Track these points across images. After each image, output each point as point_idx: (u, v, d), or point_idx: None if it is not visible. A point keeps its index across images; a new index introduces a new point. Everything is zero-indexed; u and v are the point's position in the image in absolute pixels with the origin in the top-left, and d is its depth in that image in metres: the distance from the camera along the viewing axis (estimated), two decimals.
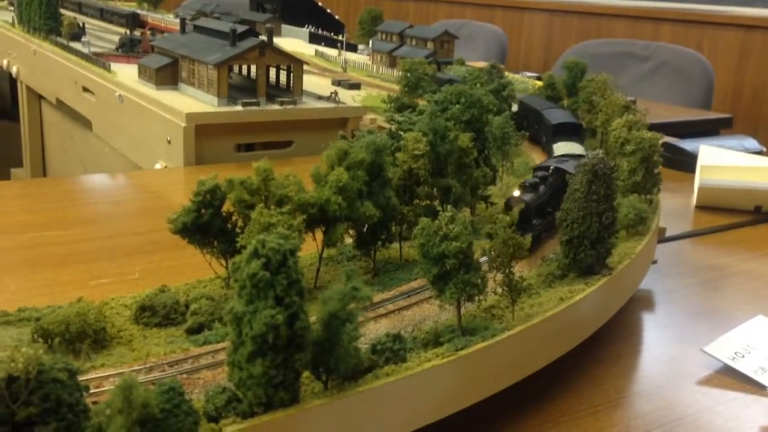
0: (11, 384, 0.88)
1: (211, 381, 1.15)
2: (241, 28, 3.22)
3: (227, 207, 1.48)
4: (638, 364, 1.68)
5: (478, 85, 2.55)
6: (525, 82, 3.94)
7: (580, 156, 2.03)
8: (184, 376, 1.16)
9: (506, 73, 3.12)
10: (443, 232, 1.26)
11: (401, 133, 1.90)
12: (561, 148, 2.31)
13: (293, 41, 5.43)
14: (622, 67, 5.31)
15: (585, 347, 1.55)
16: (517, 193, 1.75)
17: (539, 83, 3.72)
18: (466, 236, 1.27)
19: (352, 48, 5.15)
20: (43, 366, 0.89)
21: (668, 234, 2.26)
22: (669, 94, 5.16)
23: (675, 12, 6.43)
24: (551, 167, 1.89)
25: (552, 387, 1.49)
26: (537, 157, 2.56)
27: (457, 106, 1.92)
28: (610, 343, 1.70)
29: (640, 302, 1.93)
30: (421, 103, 3.16)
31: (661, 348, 1.77)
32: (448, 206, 1.32)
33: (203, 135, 3.02)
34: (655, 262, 2.02)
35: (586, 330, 1.53)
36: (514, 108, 2.83)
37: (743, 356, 1.61)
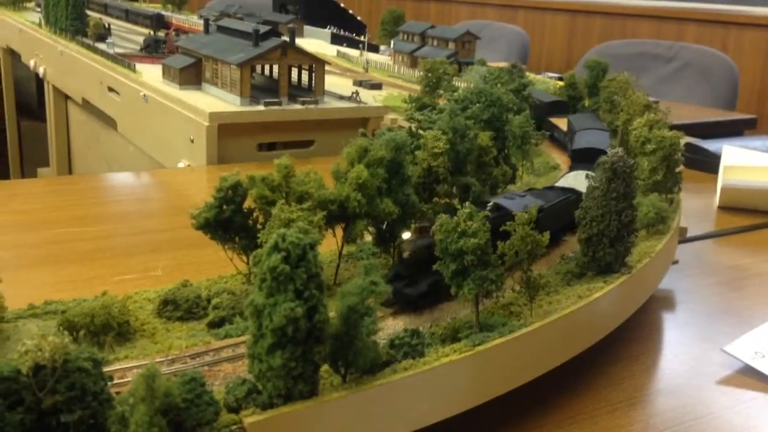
0: (38, 372, 0.91)
1: (231, 373, 1.17)
2: (263, 29, 3.25)
3: (248, 203, 1.51)
4: (658, 363, 1.68)
5: (498, 85, 2.55)
6: (546, 82, 3.93)
7: (547, 191, 1.81)
8: (206, 368, 1.18)
9: (527, 73, 3.11)
10: (461, 229, 1.27)
11: (421, 131, 1.92)
12: (569, 178, 2.04)
13: (315, 42, 5.46)
14: (646, 68, 5.28)
15: (604, 345, 1.55)
16: (406, 235, 1.46)
17: (560, 83, 3.72)
18: (484, 233, 1.28)
19: (373, 49, 5.17)
20: (68, 355, 0.92)
21: (690, 234, 2.25)
22: (693, 94, 5.12)
23: (699, 12, 6.37)
24: (491, 203, 1.58)
25: (571, 385, 1.49)
26: (557, 157, 2.56)
27: (477, 104, 1.93)
28: (629, 342, 1.70)
29: (660, 301, 1.93)
30: (442, 103, 3.17)
31: (681, 347, 1.76)
32: (467, 203, 1.33)
33: (226, 134, 3.05)
34: (676, 262, 2.01)
35: (605, 328, 1.53)
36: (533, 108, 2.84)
37: (764, 356, 1.60)
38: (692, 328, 1.85)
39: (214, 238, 1.50)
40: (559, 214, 1.70)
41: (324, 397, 1.08)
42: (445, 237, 1.28)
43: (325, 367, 1.12)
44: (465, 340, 1.26)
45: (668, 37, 6.20)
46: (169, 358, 1.20)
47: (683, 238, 2.11)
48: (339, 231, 1.53)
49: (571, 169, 2.17)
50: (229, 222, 1.47)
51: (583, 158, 2.18)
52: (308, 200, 1.45)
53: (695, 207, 2.71)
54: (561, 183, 1.97)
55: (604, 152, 1.99)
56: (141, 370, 0.91)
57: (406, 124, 2.94)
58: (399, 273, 1.42)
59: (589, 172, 2.02)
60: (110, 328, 1.26)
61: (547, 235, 1.36)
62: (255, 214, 1.50)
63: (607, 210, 1.46)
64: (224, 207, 1.47)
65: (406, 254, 1.42)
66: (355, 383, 1.12)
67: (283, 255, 1.02)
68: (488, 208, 1.54)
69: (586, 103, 2.98)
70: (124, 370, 1.15)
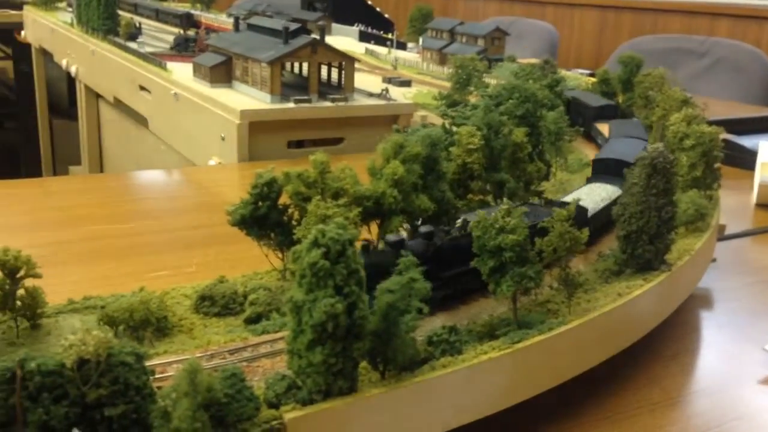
0: (82, 366, 0.91)
1: (269, 369, 1.17)
2: (293, 26, 3.25)
3: (284, 200, 1.50)
4: (697, 363, 1.65)
5: (530, 81, 2.53)
6: (577, 78, 3.89)
7: (540, 208, 1.62)
8: (244, 363, 1.18)
9: (560, 70, 3.08)
10: (499, 225, 1.26)
11: (454, 127, 1.90)
12: (582, 192, 1.87)
13: (343, 40, 5.46)
14: (678, 64, 5.20)
15: (642, 344, 1.53)
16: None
17: (591, 80, 3.68)
18: (522, 229, 1.26)
19: (401, 46, 5.15)
20: (112, 349, 0.92)
21: (728, 232, 2.21)
22: (726, 90, 5.04)
23: (732, 7, 6.26)
24: (460, 219, 1.48)
25: (609, 383, 1.47)
26: (591, 154, 2.53)
27: (511, 100, 1.91)
28: (668, 341, 1.67)
29: (698, 300, 1.89)
30: (472, 99, 3.16)
31: (720, 346, 1.73)
32: (505, 199, 1.32)
33: (256, 132, 3.06)
34: (714, 260, 1.97)
35: (644, 327, 1.50)
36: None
37: None
38: (731, 327, 1.82)
39: (250, 234, 1.50)
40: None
41: (363, 394, 1.07)
42: (483, 233, 1.27)
43: (362, 364, 1.12)
44: (503, 337, 1.24)
45: (700, 33, 6.11)
46: (208, 353, 1.20)
47: (721, 236, 2.08)
48: (374, 227, 1.53)
49: (590, 180, 1.97)
50: (264, 218, 1.48)
51: (604, 170, 1.97)
52: (344, 196, 1.44)
53: (732, 204, 2.66)
54: (572, 197, 1.75)
55: (628, 165, 1.78)
56: (182, 365, 0.91)
57: (437, 121, 2.93)
58: None
59: (609, 185, 1.86)
60: (149, 324, 1.26)
61: (585, 231, 1.34)
62: (290, 211, 1.50)
63: (646, 206, 1.43)
64: (260, 203, 1.47)
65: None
66: (394, 380, 1.11)
67: (322, 251, 1.02)
68: (458, 224, 1.45)
69: (620, 98, 2.94)
70: (164, 364, 1.15)
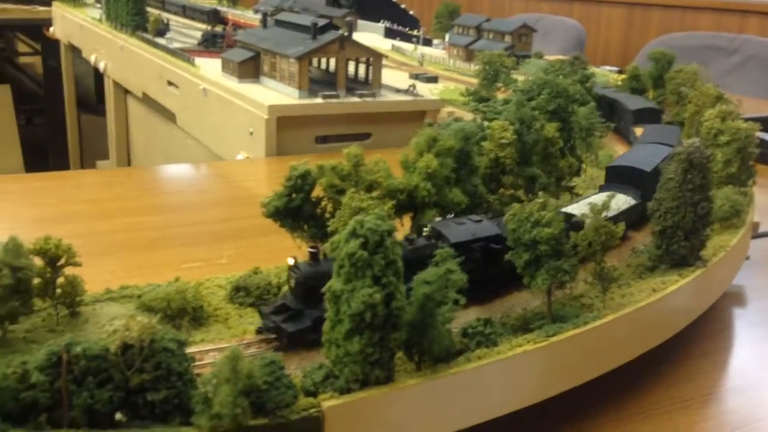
0: (126, 351, 0.93)
1: (305, 358, 1.18)
2: (321, 22, 3.26)
3: (317, 192, 1.51)
4: (730, 360, 1.64)
5: (560, 77, 2.51)
6: (606, 75, 3.87)
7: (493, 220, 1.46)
8: (280, 352, 1.19)
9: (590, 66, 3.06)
10: (535, 218, 1.26)
11: (486, 122, 1.90)
12: (597, 197, 1.74)
13: (369, 36, 5.46)
14: (708, 61, 5.14)
15: (675, 341, 1.52)
16: (291, 260, 1.28)
17: (620, 77, 3.65)
18: (558, 222, 1.26)
19: (426, 42, 5.15)
20: (155, 335, 0.94)
21: (761, 230, 2.19)
22: (757, 87, 4.97)
23: (762, 4, 6.18)
24: (428, 228, 1.39)
25: (643, 379, 1.47)
26: (621, 150, 2.51)
27: (543, 96, 1.90)
28: (701, 338, 1.66)
29: (731, 298, 1.88)
30: (500, 96, 3.15)
31: (754, 344, 1.72)
32: (540, 193, 1.32)
33: (284, 127, 3.08)
34: (747, 258, 1.95)
35: (679, 323, 1.49)
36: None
37: None
38: (764, 326, 1.80)
39: (284, 226, 1.51)
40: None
41: (400, 384, 1.08)
42: (518, 226, 1.27)
43: (398, 354, 1.12)
44: (538, 330, 1.24)
45: (729, 30, 6.04)
46: (245, 342, 1.21)
47: (755, 234, 2.05)
48: (407, 221, 1.53)
49: (602, 188, 1.83)
50: (298, 210, 1.48)
51: (618, 178, 1.82)
52: (377, 189, 1.45)
53: (764, 202, 2.63)
54: (573, 207, 1.64)
55: (643, 173, 1.76)
56: (223, 352, 0.93)
57: (464, 117, 2.93)
58: (285, 304, 1.23)
59: (622, 194, 1.71)
60: (185, 313, 1.28)
61: (621, 225, 1.33)
62: (323, 203, 1.51)
63: (682, 201, 1.42)
64: (293, 195, 1.48)
65: (293, 283, 1.24)
66: (430, 371, 1.11)
67: (361, 241, 1.02)
68: (425, 232, 1.37)
69: (651, 95, 2.92)
70: (201, 353, 1.17)
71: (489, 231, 1.37)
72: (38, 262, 1.21)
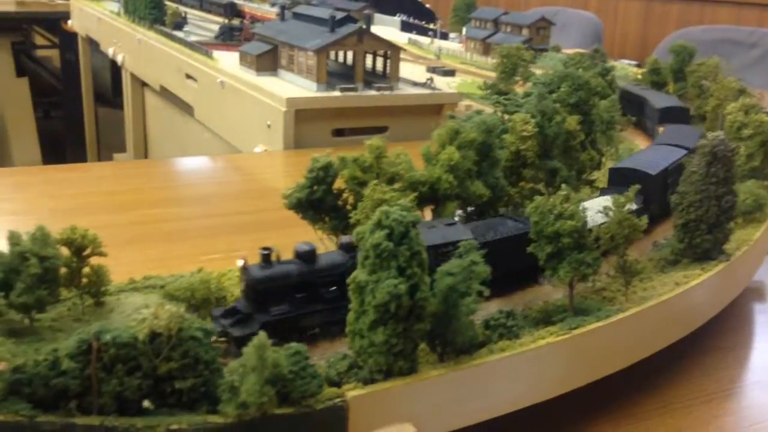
0: (154, 340, 0.94)
1: (329, 348, 1.19)
2: (339, 15, 3.26)
3: (338, 184, 1.52)
4: (751, 355, 1.63)
5: (580, 70, 2.50)
6: (624, 68, 3.84)
7: (499, 223, 1.44)
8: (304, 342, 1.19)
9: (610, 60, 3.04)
10: (558, 211, 1.26)
11: (506, 115, 1.90)
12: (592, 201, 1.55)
13: (385, 29, 5.45)
14: (727, 55, 5.06)
15: (697, 336, 1.51)
16: (241, 262, 1.25)
17: (638, 70, 3.62)
18: (580, 215, 1.26)
19: (443, 36, 5.13)
20: (183, 324, 0.95)
21: None
22: None
23: None
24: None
25: (665, 374, 1.46)
26: (642, 143, 2.50)
27: (564, 88, 1.89)
28: (722, 333, 1.65)
29: (752, 293, 1.86)
30: (518, 89, 3.13)
31: None
32: (563, 185, 1.32)
33: (302, 120, 3.08)
34: None
35: (702, 316, 1.49)
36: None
37: None
38: None
39: (305, 217, 1.52)
40: (498, 253, 1.27)
41: (423, 375, 1.08)
42: (540, 219, 1.27)
43: (421, 346, 1.13)
44: (560, 323, 1.24)
45: (749, 23, 5.97)
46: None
47: None
48: (428, 213, 1.53)
49: (603, 192, 1.72)
50: (319, 202, 1.49)
51: (622, 181, 1.67)
52: (399, 181, 1.45)
53: None
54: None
55: (648, 176, 1.66)
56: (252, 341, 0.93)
57: (483, 109, 2.92)
58: (236, 308, 1.19)
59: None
60: (209, 303, 1.29)
61: (644, 219, 1.33)
62: (345, 195, 1.51)
63: (705, 195, 1.41)
64: (315, 187, 1.49)
65: (243, 286, 1.19)
66: (453, 362, 1.12)
67: (386, 232, 1.03)
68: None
69: (671, 88, 2.90)
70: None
71: (460, 235, 1.28)
72: (65, 252, 1.23)
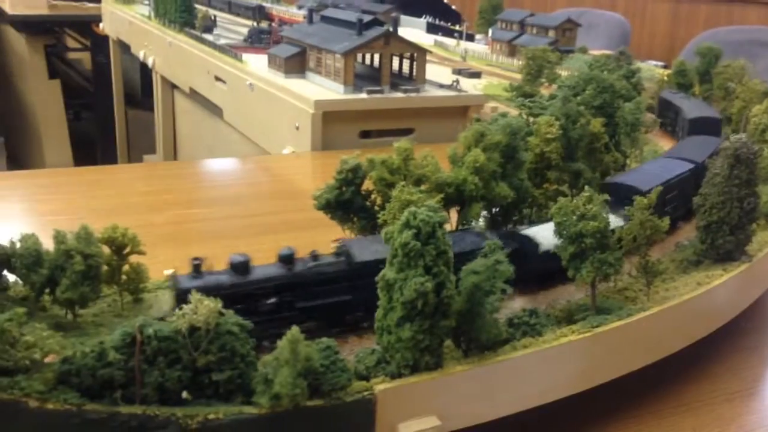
0: (193, 333, 0.99)
1: (358, 344, 1.23)
2: (366, 18, 3.31)
3: (366, 186, 1.56)
4: None
5: (605, 72, 2.52)
6: (651, 70, 3.84)
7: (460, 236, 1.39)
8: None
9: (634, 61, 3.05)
10: (581, 212, 1.29)
11: (531, 118, 1.93)
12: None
13: (411, 31, 5.49)
14: (756, 56, 5.04)
15: (720, 335, 1.53)
16: (170, 270, 1.21)
17: (665, 72, 3.63)
18: (603, 216, 1.29)
19: (469, 38, 5.16)
20: (220, 319, 0.99)
21: None
22: None
23: None
24: (340, 245, 1.33)
25: (687, 372, 1.49)
26: (666, 145, 2.51)
27: (589, 91, 1.92)
28: (745, 333, 1.67)
29: None
30: (544, 91, 3.15)
31: None
32: (586, 187, 1.35)
33: (330, 121, 3.13)
34: None
35: (723, 316, 1.51)
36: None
37: None
38: None
39: (334, 218, 1.56)
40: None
41: (448, 370, 1.12)
42: (563, 220, 1.30)
43: (446, 342, 1.17)
44: (582, 321, 1.27)
45: None
46: None
47: None
48: (454, 214, 1.57)
49: None
50: (348, 203, 1.53)
51: (614, 195, 1.51)
52: (426, 183, 1.49)
53: None
54: (537, 230, 1.50)
55: (639, 192, 1.51)
56: (284, 335, 0.98)
57: (509, 111, 2.95)
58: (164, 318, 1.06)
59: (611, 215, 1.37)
60: None
61: (666, 221, 1.35)
62: (373, 196, 1.56)
63: (728, 197, 1.44)
64: (344, 188, 1.53)
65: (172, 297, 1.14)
66: (477, 358, 1.15)
67: (414, 232, 1.07)
68: (336, 250, 1.32)
69: (697, 90, 2.90)
70: None
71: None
72: (106, 250, 1.29)
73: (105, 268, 1.27)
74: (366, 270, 1.14)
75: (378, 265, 1.10)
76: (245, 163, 3.39)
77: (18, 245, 1.20)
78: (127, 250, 1.30)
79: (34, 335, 0.92)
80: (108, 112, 7.88)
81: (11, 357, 0.90)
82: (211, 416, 0.97)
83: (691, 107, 2.60)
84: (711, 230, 1.48)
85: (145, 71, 6.00)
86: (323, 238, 1.61)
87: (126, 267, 1.32)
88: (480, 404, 1.17)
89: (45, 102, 8.39)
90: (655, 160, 2.04)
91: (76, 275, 1.15)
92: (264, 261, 1.77)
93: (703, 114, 2.42)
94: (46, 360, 0.96)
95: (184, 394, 1.01)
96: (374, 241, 1.31)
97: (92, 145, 8.89)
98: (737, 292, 1.51)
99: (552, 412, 1.24)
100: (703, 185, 1.50)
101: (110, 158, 7.99)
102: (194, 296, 0.98)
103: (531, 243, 1.44)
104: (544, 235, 1.44)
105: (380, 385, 1.07)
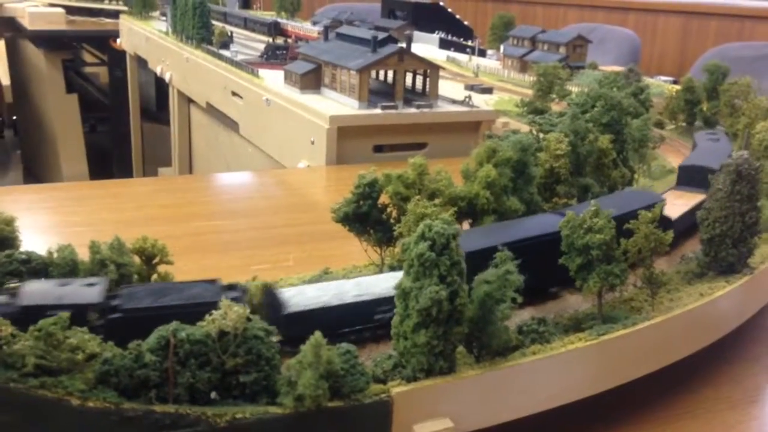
0: (222, 337, 1.05)
1: (375, 349, 1.30)
2: (381, 35, 3.39)
3: (383, 200, 1.63)
4: None
5: (615, 89, 2.58)
6: (660, 86, 3.90)
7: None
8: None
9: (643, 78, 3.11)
10: (587, 225, 1.35)
11: (541, 134, 1.99)
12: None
13: (424, 47, 5.58)
14: (765, 72, 5.10)
15: (723, 345, 1.58)
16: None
17: (675, 87, 3.69)
18: (609, 229, 1.35)
19: (481, 53, 5.24)
20: (247, 323, 1.06)
21: None
22: None
23: None
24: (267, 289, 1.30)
25: (691, 380, 1.54)
26: (674, 161, 2.57)
27: (597, 108, 1.98)
28: (748, 343, 1.72)
29: None
30: (554, 107, 3.22)
31: None
32: (592, 201, 1.41)
33: (344, 136, 3.21)
34: None
35: (725, 326, 1.56)
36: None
37: None
38: None
39: (352, 230, 1.63)
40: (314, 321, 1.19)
41: (461, 374, 1.18)
42: (571, 232, 1.36)
43: (459, 348, 1.23)
44: (589, 330, 1.33)
45: None
46: None
47: None
48: (466, 226, 1.63)
49: None
50: (366, 216, 1.60)
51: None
52: (439, 197, 1.56)
53: None
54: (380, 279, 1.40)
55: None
56: (309, 340, 1.04)
57: (518, 127, 3.01)
58: None
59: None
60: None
61: (670, 234, 1.41)
62: (389, 209, 1.62)
63: (730, 211, 1.49)
64: (361, 202, 1.60)
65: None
66: (489, 363, 1.22)
67: (429, 243, 1.13)
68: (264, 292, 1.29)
69: (705, 107, 2.96)
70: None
71: (79, 297, 1.12)
72: (136, 259, 1.36)
73: (136, 276, 1.35)
74: (31, 315, 1.03)
75: (45, 310, 1.00)
76: (261, 176, 3.47)
77: (55, 255, 1.28)
78: (156, 260, 1.38)
79: (77, 338, 0.99)
80: (124, 126, 8.01)
81: (55, 358, 0.97)
82: (239, 415, 1.04)
83: (700, 153, 2.25)
84: (714, 243, 1.54)
85: (160, 85, 6.11)
86: (340, 250, 1.68)
87: (154, 276, 1.40)
88: (491, 407, 1.23)
89: (62, 115, 8.53)
90: (617, 193, 1.86)
91: (110, 283, 1.22)
92: (291, 271, 1.84)
93: (696, 163, 2.09)
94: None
95: (213, 395, 1.07)
96: (63, 283, 1.17)
97: (108, 158, 9.02)
98: (739, 303, 1.56)
99: (559, 416, 1.29)
100: (706, 200, 1.56)
101: (125, 171, 8.10)
102: (224, 302, 1.05)
103: (277, 303, 1.30)
104: (311, 295, 1.31)
105: (396, 388, 1.13)
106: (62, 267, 1.25)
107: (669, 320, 1.38)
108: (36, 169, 9.60)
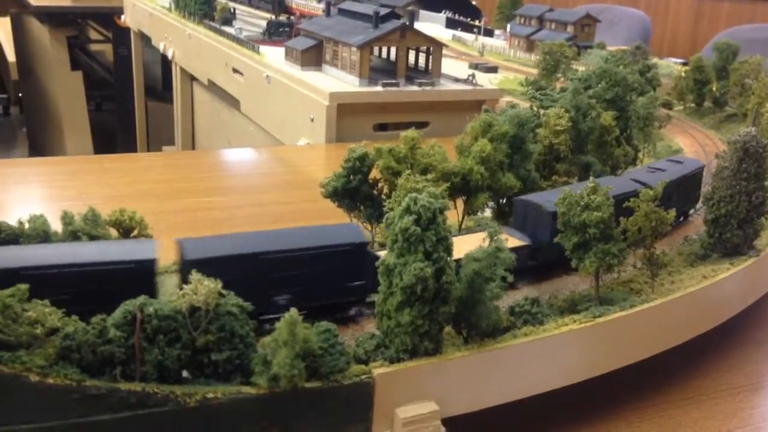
0: (193, 313, 1.00)
1: (359, 329, 1.24)
2: (383, 11, 3.31)
3: (374, 175, 1.57)
4: None
5: (621, 67, 2.50)
6: (670, 66, 3.81)
7: None
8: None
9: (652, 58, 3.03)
10: (585, 202, 1.29)
11: (542, 110, 1.92)
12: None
13: (431, 26, 5.48)
14: None
15: (725, 330, 1.52)
16: None
17: (683, 68, 3.59)
18: (607, 207, 1.28)
19: (488, 33, 5.15)
20: (219, 299, 1.01)
21: None
22: None
23: None
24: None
25: (692, 366, 1.48)
26: (681, 141, 2.49)
27: (601, 84, 1.91)
28: (751, 328, 1.66)
29: None
30: (559, 86, 3.14)
31: None
32: (591, 178, 1.34)
33: (344, 114, 3.14)
34: None
35: (729, 310, 1.50)
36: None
37: None
38: None
39: (341, 206, 1.57)
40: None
41: (448, 355, 1.13)
42: (567, 210, 1.30)
43: (446, 329, 1.17)
44: (585, 311, 1.27)
45: None
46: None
47: None
48: (459, 204, 1.57)
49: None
50: (355, 191, 1.54)
51: (523, 212, 1.49)
52: (432, 172, 1.49)
53: None
54: None
55: (551, 215, 1.39)
56: (284, 317, 0.99)
57: (523, 105, 2.94)
58: None
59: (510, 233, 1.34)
60: None
61: (672, 212, 1.35)
62: (380, 185, 1.56)
63: (736, 190, 1.43)
64: (351, 177, 1.54)
65: None
66: (477, 345, 1.16)
67: (414, 217, 1.07)
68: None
69: (714, 86, 2.88)
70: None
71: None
72: (113, 232, 1.31)
73: None
74: None
75: None
76: (261, 153, 3.41)
77: (26, 225, 1.22)
78: (135, 233, 1.32)
79: (36, 311, 0.93)
80: (129, 104, 7.95)
81: (13, 332, 0.92)
82: (210, 395, 0.99)
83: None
84: (719, 224, 1.48)
85: (167, 64, 6.04)
86: None
87: None
88: (479, 391, 1.18)
89: (67, 93, 8.48)
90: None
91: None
92: None
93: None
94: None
95: (185, 373, 1.02)
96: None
97: (112, 136, 8.97)
98: (744, 286, 1.50)
99: (552, 400, 1.24)
100: (711, 179, 1.50)
101: (130, 149, 8.06)
102: (195, 277, 0.99)
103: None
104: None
105: (379, 369, 1.08)
106: (33, 237, 1.19)
107: (669, 303, 1.31)
108: (41, 146, 9.57)
